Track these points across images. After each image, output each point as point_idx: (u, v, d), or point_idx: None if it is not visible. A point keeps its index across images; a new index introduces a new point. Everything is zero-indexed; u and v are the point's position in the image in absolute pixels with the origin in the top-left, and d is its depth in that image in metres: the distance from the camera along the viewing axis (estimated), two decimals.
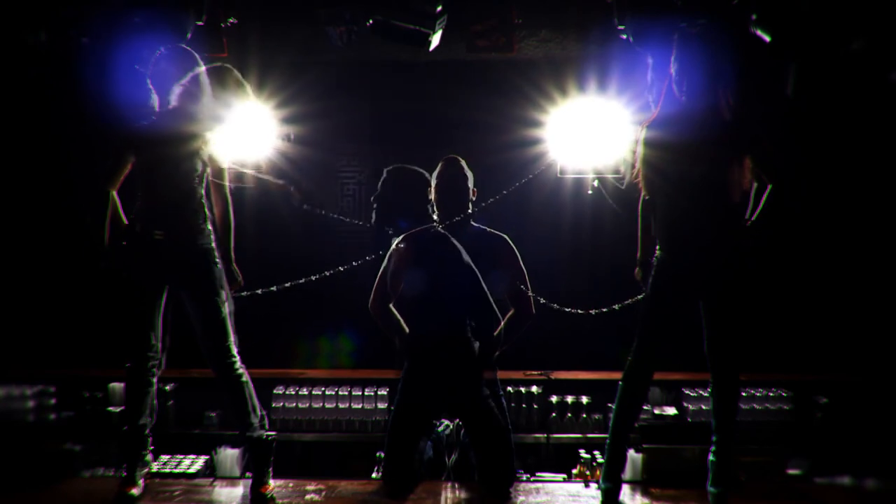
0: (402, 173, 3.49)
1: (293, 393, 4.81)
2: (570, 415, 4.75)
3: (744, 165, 3.09)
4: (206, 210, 3.27)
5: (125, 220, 3.19)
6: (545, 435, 4.66)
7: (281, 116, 4.74)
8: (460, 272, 3.38)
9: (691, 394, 4.76)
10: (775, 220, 3.10)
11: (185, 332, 3.26)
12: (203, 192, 3.26)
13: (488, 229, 3.69)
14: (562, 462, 4.52)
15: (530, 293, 3.62)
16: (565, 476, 4.29)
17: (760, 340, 4.19)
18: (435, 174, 3.64)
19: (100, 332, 4.75)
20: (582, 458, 4.33)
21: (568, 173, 4.84)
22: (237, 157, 4.67)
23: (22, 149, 4.96)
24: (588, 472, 4.22)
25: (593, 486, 3.56)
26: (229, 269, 3.25)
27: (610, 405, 3.70)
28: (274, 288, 3.67)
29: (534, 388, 4.82)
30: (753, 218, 3.09)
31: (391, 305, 3.55)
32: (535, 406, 4.79)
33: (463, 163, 3.71)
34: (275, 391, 4.79)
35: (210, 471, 4.24)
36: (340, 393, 4.82)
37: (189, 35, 3.74)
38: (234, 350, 3.24)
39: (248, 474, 3.66)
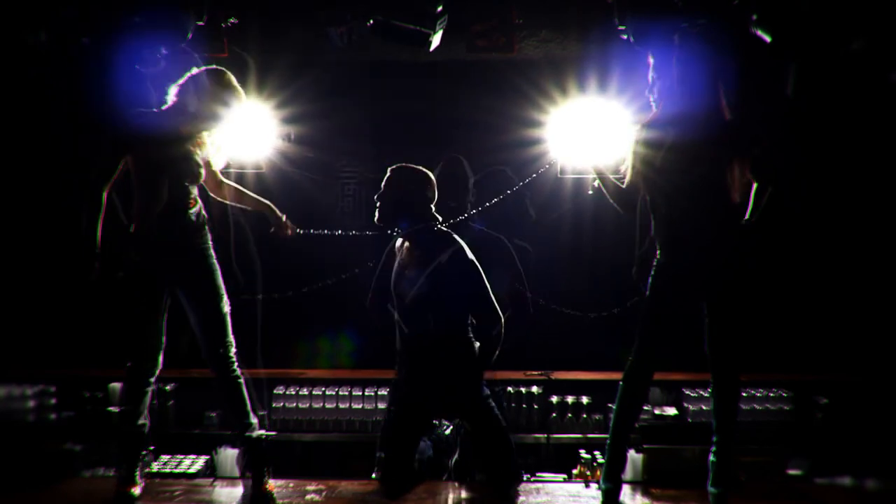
0: (406, 172, 3.49)
1: (293, 393, 4.81)
2: (570, 415, 4.75)
3: (743, 166, 3.09)
4: (205, 210, 3.27)
5: (125, 221, 3.19)
6: (545, 435, 4.66)
7: (281, 116, 4.74)
8: (461, 271, 3.37)
9: (691, 394, 4.76)
10: (773, 220, 3.10)
11: (186, 332, 3.26)
12: (200, 193, 3.26)
13: (486, 230, 3.69)
14: (562, 462, 4.52)
15: (528, 293, 3.62)
16: (565, 476, 4.29)
17: (760, 340, 4.19)
18: (436, 173, 3.64)
19: (100, 332, 4.75)
20: (582, 458, 4.33)
21: (568, 173, 4.84)
22: (236, 158, 4.68)
23: (22, 149, 4.95)
24: (588, 473, 4.22)
25: (594, 486, 3.56)
26: (229, 269, 3.25)
27: (610, 405, 3.70)
28: (290, 293, 3.66)
29: (534, 388, 4.82)
30: (753, 218, 3.09)
31: (389, 306, 3.56)
32: (536, 406, 4.79)
33: (465, 163, 3.71)
34: (275, 391, 4.78)
35: (210, 471, 4.24)
36: (340, 393, 4.82)
37: (189, 35, 3.74)
38: (233, 351, 3.24)
39: (248, 474, 3.66)
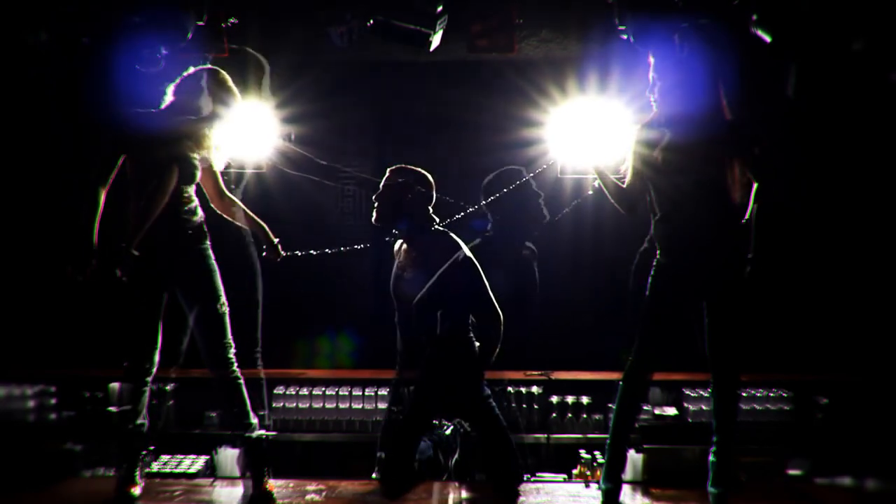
0: (404, 173, 3.49)
1: (293, 393, 4.81)
2: (570, 415, 4.75)
3: (744, 166, 3.09)
4: (203, 213, 3.27)
5: (125, 222, 3.19)
6: (545, 435, 4.66)
7: (281, 116, 4.73)
8: (460, 271, 3.37)
9: (691, 394, 4.75)
10: (773, 220, 3.10)
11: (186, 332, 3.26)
12: (198, 194, 3.26)
13: (448, 236, 3.67)
14: (562, 462, 4.51)
15: (490, 302, 3.60)
16: (566, 476, 4.29)
17: (760, 340, 4.19)
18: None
19: (100, 332, 4.75)
20: (582, 458, 4.33)
21: (568, 173, 4.84)
22: (236, 157, 4.68)
23: (22, 149, 4.95)
24: (588, 473, 4.21)
25: (594, 486, 3.56)
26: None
27: (610, 405, 3.71)
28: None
29: (534, 389, 4.82)
30: (752, 218, 3.09)
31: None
32: (536, 406, 4.79)
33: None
34: (275, 391, 4.78)
35: (210, 471, 4.24)
36: (340, 393, 4.81)
37: (189, 35, 3.74)
38: (232, 351, 3.24)
39: (248, 474, 3.66)
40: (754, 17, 3.71)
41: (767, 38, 3.72)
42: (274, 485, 3.31)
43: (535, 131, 4.78)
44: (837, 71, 3.94)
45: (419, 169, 3.52)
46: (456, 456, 3.78)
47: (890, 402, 4.47)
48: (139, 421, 3.23)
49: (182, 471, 4.12)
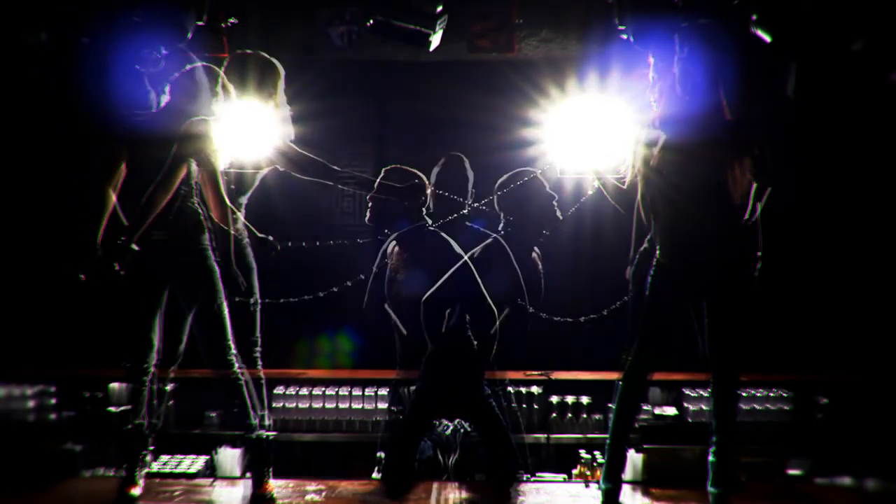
0: (398, 174, 3.50)
1: (293, 393, 4.81)
2: (570, 415, 4.75)
3: (744, 166, 3.09)
4: (204, 211, 3.26)
5: (125, 221, 3.19)
6: (545, 435, 4.66)
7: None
8: (456, 270, 3.38)
9: (691, 394, 4.76)
10: (774, 221, 3.10)
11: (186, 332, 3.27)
12: (199, 193, 3.26)
13: (481, 229, 3.68)
14: (562, 462, 4.52)
15: (525, 294, 3.61)
16: (565, 476, 4.29)
17: (760, 340, 4.19)
18: (436, 169, 3.63)
19: (100, 332, 4.74)
20: (582, 458, 4.33)
21: (568, 173, 4.83)
22: (236, 158, 4.67)
23: (22, 149, 4.95)
24: (588, 473, 4.22)
25: (593, 486, 3.56)
26: (228, 272, 3.24)
27: (610, 405, 3.70)
28: (294, 299, 3.65)
29: (534, 389, 4.82)
30: (753, 219, 3.09)
31: (386, 306, 3.55)
32: (536, 406, 4.79)
33: (466, 163, 3.70)
34: (275, 391, 4.78)
35: (210, 471, 4.24)
36: (340, 393, 4.82)
37: (189, 35, 3.74)
38: (233, 351, 3.24)
39: (248, 474, 3.66)
40: (754, 17, 3.71)
41: (767, 38, 3.72)
42: (274, 485, 3.30)
43: (535, 131, 4.77)
44: (837, 71, 3.93)
45: (414, 170, 3.53)
46: (456, 456, 3.78)
47: (890, 402, 4.47)
48: (139, 421, 3.22)
49: (182, 471, 4.12)
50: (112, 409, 4.68)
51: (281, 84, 3.53)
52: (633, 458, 3.76)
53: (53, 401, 4.64)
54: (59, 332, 5.02)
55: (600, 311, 3.85)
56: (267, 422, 3.30)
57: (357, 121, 5.20)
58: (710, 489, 3.17)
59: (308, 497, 3.37)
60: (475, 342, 3.39)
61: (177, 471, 4.12)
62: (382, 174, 3.50)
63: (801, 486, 3.83)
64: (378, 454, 4.08)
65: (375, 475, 4.01)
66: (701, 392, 4.70)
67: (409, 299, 3.51)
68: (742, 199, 3.11)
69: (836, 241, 4.98)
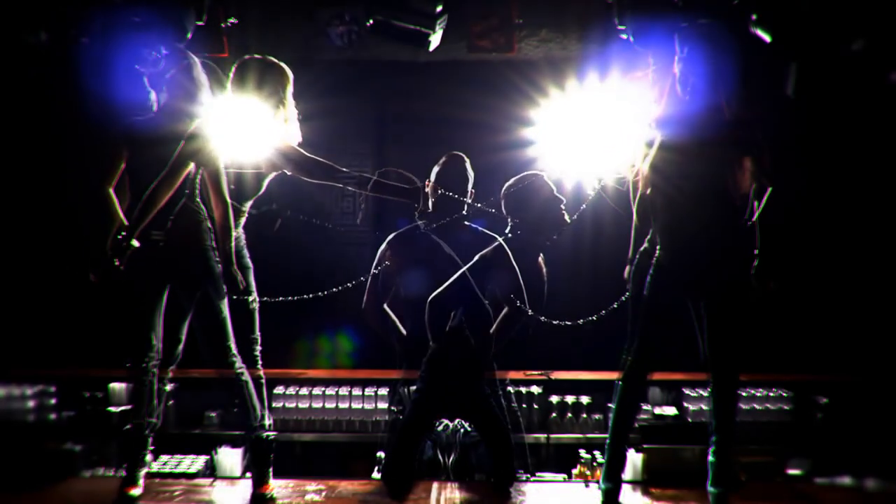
0: (392, 175, 3.51)
1: (293, 393, 4.81)
2: (570, 415, 4.75)
3: (744, 166, 3.09)
4: (205, 211, 3.27)
5: (125, 221, 3.19)
6: (545, 435, 4.66)
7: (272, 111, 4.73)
8: (452, 270, 3.39)
9: (691, 394, 4.76)
10: (775, 221, 3.10)
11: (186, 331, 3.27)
12: (200, 193, 3.26)
13: (480, 229, 3.68)
14: (562, 462, 4.52)
15: (524, 296, 3.60)
16: (565, 476, 4.29)
17: (760, 340, 4.19)
18: (436, 168, 3.62)
19: (100, 332, 4.74)
20: (582, 458, 4.33)
21: (568, 173, 4.83)
22: (236, 158, 4.67)
23: (22, 149, 4.95)
24: (588, 473, 4.22)
25: (593, 486, 3.56)
26: (229, 271, 3.23)
27: (610, 405, 3.70)
28: (293, 297, 3.64)
29: (534, 388, 4.82)
30: (753, 219, 3.09)
31: (385, 306, 3.55)
32: (535, 406, 4.79)
33: (467, 163, 3.70)
34: (275, 391, 4.78)
35: (210, 471, 4.24)
36: (340, 393, 4.82)
37: (189, 35, 3.74)
38: (235, 350, 3.24)
39: (248, 474, 3.66)
40: (754, 17, 3.71)
41: (767, 38, 3.72)
42: (274, 485, 3.31)
43: (534, 131, 4.77)
44: (837, 71, 3.93)
45: (408, 174, 3.53)
46: (455, 456, 3.78)
47: (890, 402, 4.47)
48: (139, 420, 3.22)
49: (182, 471, 4.13)
50: (112, 409, 4.68)
51: (290, 88, 3.52)
52: (633, 458, 3.76)
53: (53, 401, 4.64)
54: (59, 332, 5.02)
55: (600, 312, 3.85)
56: (267, 422, 3.31)
57: (357, 121, 5.20)
58: (710, 489, 3.17)
59: (308, 497, 3.37)
60: (475, 343, 3.39)
61: (177, 471, 4.12)
62: (376, 175, 3.50)
63: (801, 486, 3.83)
64: (378, 454, 4.08)
65: (375, 475, 4.01)
66: (701, 392, 4.70)
67: (408, 299, 3.51)
68: (742, 200, 3.11)
69: (836, 241, 4.98)
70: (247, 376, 3.26)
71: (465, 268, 3.38)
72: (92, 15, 3.77)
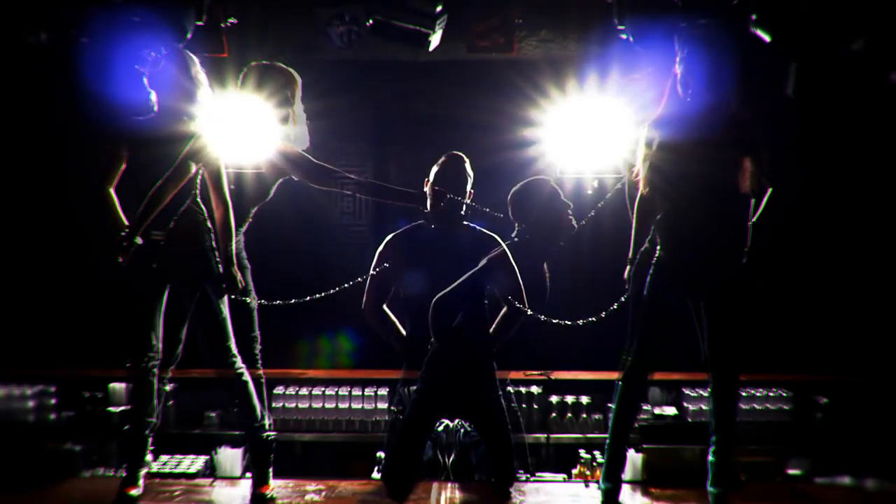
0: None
1: (293, 393, 4.81)
2: (570, 415, 4.75)
3: (744, 166, 3.09)
4: (205, 211, 3.27)
5: (125, 221, 3.19)
6: (545, 435, 4.66)
7: (281, 116, 4.73)
8: (452, 270, 3.39)
9: (691, 394, 4.76)
10: (776, 221, 3.10)
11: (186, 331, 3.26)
12: (200, 193, 3.26)
13: (479, 228, 3.68)
14: (562, 462, 4.52)
15: (524, 296, 3.60)
16: (565, 476, 4.29)
17: (760, 340, 4.19)
18: (435, 168, 3.62)
19: (100, 332, 4.75)
20: (582, 458, 4.33)
21: (568, 173, 4.83)
22: (236, 158, 4.67)
23: (22, 149, 4.95)
24: (588, 473, 4.22)
25: (593, 486, 3.56)
26: (229, 272, 3.23)
27: (610, 405, 3.70)
28: (294, 301, 3.64)
29: (534, 388, 4.82)
30: (754, 219, 3.09)
31: (384, 306, 3.55)
32: (535, 406, 4.79)
33: (466, 163, 3.69)
34: (275, 391, 4.79)
35: (210, 471, 4.24)
36: (340, 393, 4.82)
37: (189, 35, 3.74)
38: (235, 350, 3.24)
39: (248, 474, 3.66)
40: (754, 17, 3.71)
41: (767, 38, 3.71)
42: (274, 485, 3.31)
43: (534, 131, 4.77)
44: (837, 71, 3.93)
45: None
46: (454, 456, 3.78)
47: (890, 402, 4.47)
48: (139, 420, 3.22)
49: (182, 471, 4.13)
50: (112, 409, 4.68)
51: (298, 92, 3.52)
52: (633, 458, 3.76)
53: (53, 401, 4.64)
54: (59, 332, 5.02)
55: (600, 312, 3.84)
56: (267, 421, 3.31)
57: (357, 121, 5.20)
58: (710, 489, 3.17)
59: (308, 497, 3.37)
60: (475, 343, 3.40)
61: (177, 471, 4.12)
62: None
63: (801, 486, 3.83)
64: (378, 454, 4.08)
65: (375, 475, 4.02)
66: (701, 392, 4.70)
67: (408, 300, 3.51)
68: (743, 200, 3.11)
69: (836, 241, 4.98)
70: (247, 376, 3.26)
71: (471, 272, 3.37)
72: (92, 15, 3.76)
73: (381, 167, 3.66)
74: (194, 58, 3.23)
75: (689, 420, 4.66)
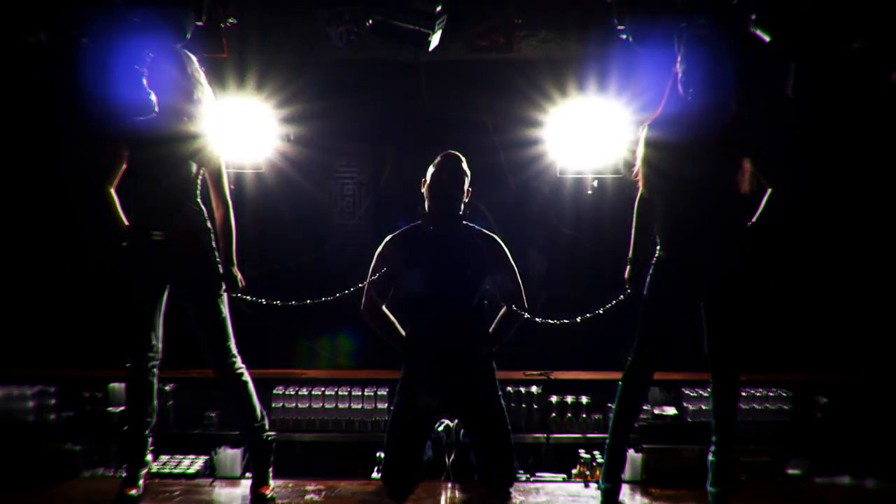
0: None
1: (293, 393, 4.81)
2: (569, 415, 4.75)
3: (744, 166, 3.09)
4: (206, 211, 3.27)
5: (125, 221, 3.19)
6: (545, 435, 4.66)
7: (281, 116, 4.74)
8: (451, 270, 3.39)
9: (691, 394, 4.75)
10: (775, 221, 3.10)
11: (186, 331, 3.26)
12: (201, 193, 3.26)
13: (478, 228, 3.68)
14: (562, 462, 4.52)
15: (524, 295, 3.60)
16: (565, 476, 4.29)
17: (760, 340, 4.19)
18: (431, 168, 3.61)
19: (100, 332, 4.75)
20: (582, 458, 4.33)
21: (568, 173, 4.84)
22: (236, 158, 4.68)
23: (21, 149, 4.96)
24: (588, 473, 4.22)
25: (593, 486, 3.56)
26: (230, 272, 3.23)
27: (610, 405, 3.70)
28: (293, 302, 3.64)
29: (534, 388, 4.82)
30: (754, 219, 3.09)
31: (384, 307, 3.55)
32: (535, 406, 4.79)
33: (462, 161, 3.69)
34: (275, 391, 4.79)
35: (210, 471, 4.24)
36: (340, 393, 4.82)
37: (189, 35, 3.74)
38: (235, 350, 3.24)
39: (248, 474, 3.66)
40: (754, 17, 3.71)
41: (767, 38, 3.71)
42: (274, 485, 3.31)
43: (534, 131, 4.78)
44: (837, 71, 3.93)
45: None
46: (454, 456, 3.78)
47: (890, 402, 4.47)
48: (139, 421, 3.22)
49: (182, 471, 4.12)
50: (112, 409, 4.68)
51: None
52: (633, 458, 3.76)
53: (53, 401, 4.64)
54: (59, 332, 5.02)
55: (603, 311, 3.84)
56: (266, 421, 3.31)
57: (357, 121, 5.20)
58: (710, 489, 3.17)
59: (308, 497, 3.38)
60: (469, 338, 3.40)
61: (177, 471, 4.12)
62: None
63: (801, 486, 3.83)
64: (378, 454, 4.08)
65: (375, 475, 4.02)
66: (701, 392, 4.70)
67: (407, 300, 3.51)
68: (743, 200, 3.11)
69: (836, 241, 4.97)
70: (246, 376, 3.26)
71: (471, 272, 3.37)
72: (92, 15, 3.76)
73: (380, 167, 3.65)
74: (191, 56, 3.23)
75: (689, 420, 4.65)
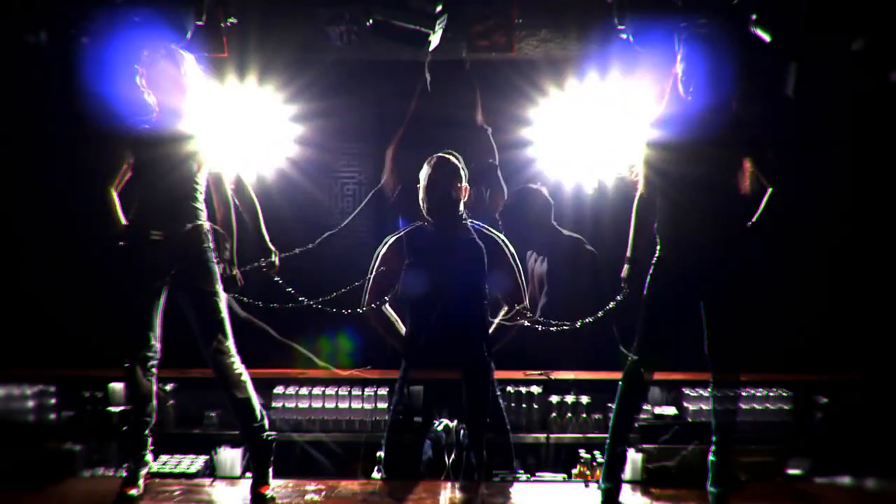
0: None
1: (293, 393, 4.80)
2: (570, 415, 4.74)
3: (744, 166, 3.09)
4: (205, 211, 3.27)
5: (124, 221, 3.19)
6: (545, 435, 4.66)
7: (281, 116, 4.74)
8: (452, 269, 3.39)
9: (691, 394, 4.75)
10: (775, 222, 3.10)
11: (186, 331, 3.26)
12: (202, 193, 3.26)
13: (480, 227, 3.68)
14: (562, 462, 4.52)
15: (524, 294, 3.61)
16: (565, 476, 4.29)
17: (760, 340, 4.19)
18: (425, 168, 3.60)
19: (100, 332, 4.74)
20: (582, 458, 4.32)
21: (568, 173, 4.84)
22: (236, 158, 4.68)
23: (21, 149, 4.95)
24: (588, 473, 4.21)
25: (593, 486, 3.56)
26: (229, 271, 3.24)
27: (610, 405, 3.70)
28: (303, 300, 3.63)
29: (534, 388, 4.81)
30: (754, 219, 3.09)
31: (385, 307, 3.56)
32: (535, 406, 4.78)
33: (457, 161, 3.68)
34: (275, 391, 4.78)
35: (210, 471, 4.23)
36: (340, 393, 4.81)
37: (189, 35, 3.74)
38: (234, 350, 3.24)
39: (248, 474, 3.66)
40: (754, 16, 3.71)
41: (767, 38, 3.72)
42: (274, 485, 3.31)
43: (534, 131, 4.78)
44: (837, 71, 3.93)
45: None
46: (454, 456, 3.78)
47: (890, 402, 4.47)
48: (139, 420, 3.22)
49: (182, 471, 4.12)
50: (112, 409, 4.68)
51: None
52: (633, 458, 3.76)
53: (53, 401, 4.63)
54: (59, 332, 5.02)
55: (603, 312, 3.85)
56: (266, 421, 3.31)
57: (356, 121, 5.20)
58: (710, 489, 3.17)
59: (308, 497, 3.38)
60: (466, 338, 3.41)
61: (177, 471, 4.11)
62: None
63: (801, 486, 3.83)
64: (378, 454, 4.08)
65: (375, 475, 4.02)
66: (701, 392, 4.69)
67: (408, 299, 3.51)
68: (743, 200, 3.11)
69: (836, 241, 4.97)
70: (246, 376, 3.26)
71: (471, 271, 3.37)
72: (92, 15, 3.76)
73: (380, 167, 3.64)
74: (186, 55, 3.22)
75: (689, 420, 4.65)
